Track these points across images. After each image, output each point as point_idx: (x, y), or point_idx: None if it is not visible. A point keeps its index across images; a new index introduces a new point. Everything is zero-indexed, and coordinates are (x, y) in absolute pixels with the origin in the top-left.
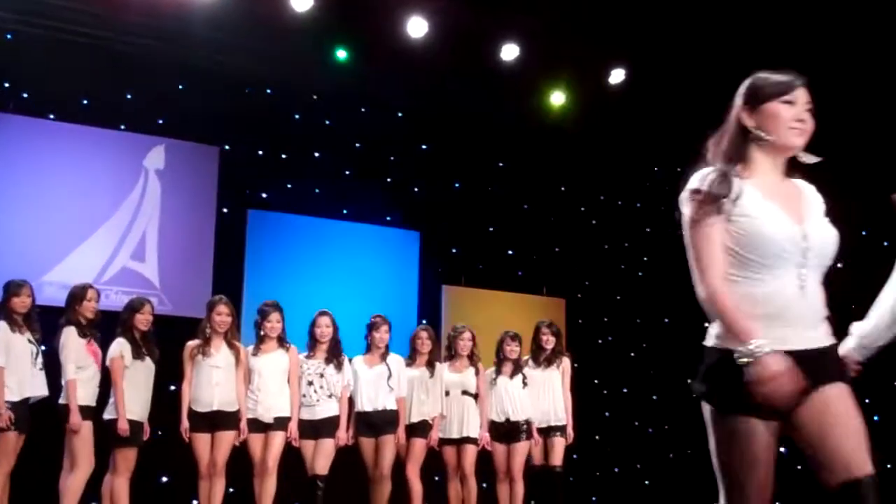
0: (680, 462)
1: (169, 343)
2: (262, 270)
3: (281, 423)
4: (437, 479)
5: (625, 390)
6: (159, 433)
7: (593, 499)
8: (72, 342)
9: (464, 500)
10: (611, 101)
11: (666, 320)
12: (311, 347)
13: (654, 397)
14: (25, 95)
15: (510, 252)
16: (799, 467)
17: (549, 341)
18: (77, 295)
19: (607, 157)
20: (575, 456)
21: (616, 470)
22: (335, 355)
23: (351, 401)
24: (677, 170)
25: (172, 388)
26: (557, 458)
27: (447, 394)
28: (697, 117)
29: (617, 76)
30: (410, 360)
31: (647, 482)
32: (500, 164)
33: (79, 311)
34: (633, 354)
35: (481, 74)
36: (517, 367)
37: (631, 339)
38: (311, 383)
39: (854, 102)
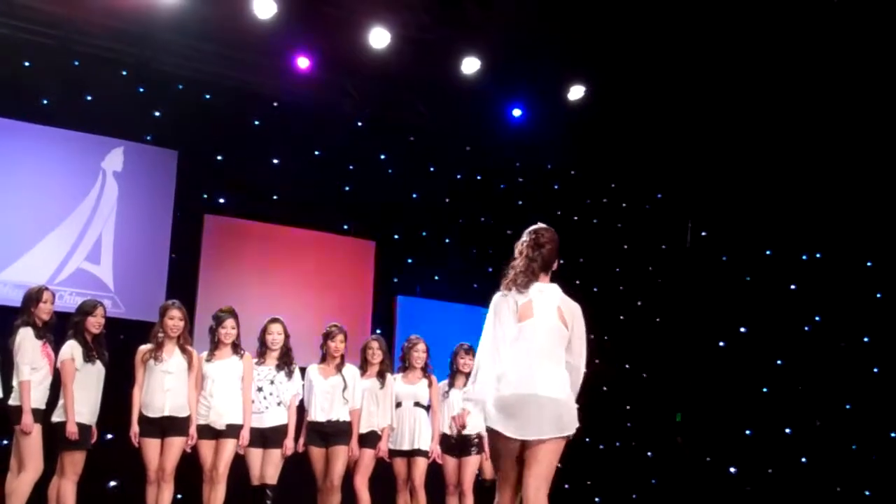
0: (631, 479)
1: (121, 346)
2: (216, 275)
3: (233, 430)
4: (386, 490)
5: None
6: (108, 437)
7: None
8: (28, 343)
9: None
10: (569, 116)
11: (618, 337)
12: (261, 354)
13: (625, 409)
14: None
15: (465, 264)
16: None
17: None
18: (33, 297)
19: (564, 172)
20: None
21: (566, 486)
22: (286, 363)
23: (300, 410)
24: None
25: (123, 391)
26: None
27: (399, 405)
28: (655, 134)
29: (576, 92)
30: (361, 370)
31: (597, 499)
32: (458, 177)
33: (34, 312)
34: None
35: (442, 87)
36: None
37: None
38: (260, 389)
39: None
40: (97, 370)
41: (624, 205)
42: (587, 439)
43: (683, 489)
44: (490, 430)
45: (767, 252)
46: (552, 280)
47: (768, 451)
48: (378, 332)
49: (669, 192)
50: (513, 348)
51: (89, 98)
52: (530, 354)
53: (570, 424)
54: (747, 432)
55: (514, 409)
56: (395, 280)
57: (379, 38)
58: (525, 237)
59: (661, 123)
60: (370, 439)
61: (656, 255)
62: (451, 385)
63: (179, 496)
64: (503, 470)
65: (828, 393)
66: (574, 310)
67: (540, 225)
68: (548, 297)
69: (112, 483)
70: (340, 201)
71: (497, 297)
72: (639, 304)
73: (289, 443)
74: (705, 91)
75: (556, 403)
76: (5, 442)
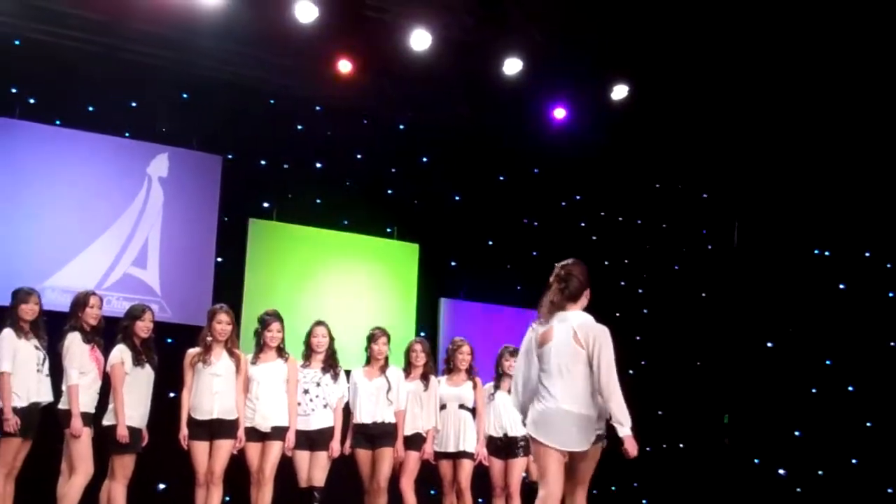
0: (678, 481)
1: (168, 350)
2: (261, 279)
3: (278, 432)
4: (433, 492)
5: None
6: (158, 440)
7: None
8: (76, 347)
9: None
10: (613, 116)
11: (665, 338)
12: (306, 357)
13: (660, 412)
14: (32, 101)
15: (509, 266)
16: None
17: None
18: (80, 301)
19: (609, 172)
20: None
21: (613, 489)
22: (331, 366)
23: (346, 412)
24: (678, 186)
25: (171, 395)
26: None
27: (444, 407)
28: (700, 133)
29: (619, 92)
30: (405, 372)
31: (644, 501)
32: (501, 178)
33: (82, 317)
34: (631, 372)
35: (483, 88)
36: None
37: (630, 356)
38: (306, 392)
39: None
40: (146, 374)
41: (669, 205)
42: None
43: (731, 491)
44: (530, 437)
45: (815, 251)
46: (589, 305)
47: (818, 452)
48: (422, 334)
49: (715, 192)
50: (540, 370)
51: (134, 104)
52: (548, 374)
53: (589, 434)
54: (796, 433)
55: (542, 420)
56: (439, 283)
57: (420, 40)
58: (555, 270)
59: (706, 122)
60: (415, 441)
61: (703, 256)
62: (496, 387)
63: (228, 498)
64: (544, 473)
65: (878, 393)
66: (595, 332)
67: (568, 260)
68: (567, 323)
69: (162, 486)
70: (384, 204)
71: (528, 331)
72: (685, 305)
73: (335, 445)
74: (751, 88)
75: (572, 416)
76: (55, 446)
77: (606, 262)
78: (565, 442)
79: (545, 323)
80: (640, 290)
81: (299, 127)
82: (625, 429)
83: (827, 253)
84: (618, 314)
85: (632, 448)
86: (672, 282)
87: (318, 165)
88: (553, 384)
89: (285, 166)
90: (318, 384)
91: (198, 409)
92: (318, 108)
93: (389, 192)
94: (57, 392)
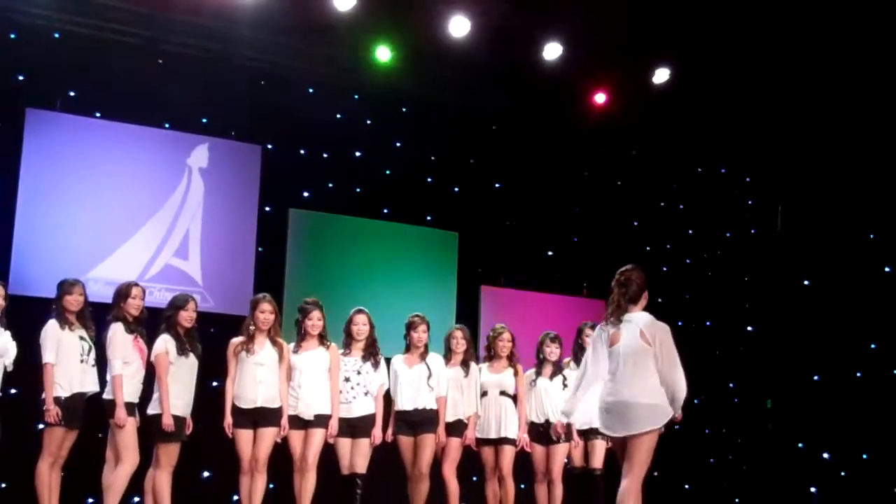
0: (720, 466)
1: (211, 340)
2: (302, 268)
3: (321, 420)
4: (475, 479)
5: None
6: (201, 429)
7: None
8: (119, 338)
9: (501, 501)
10: (654, 100)
11: (708, 323)
12: (347, 345)
13: (695, 401)
14: (72, 94)
15: (549, 253)
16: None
17: None
18: (122, 292)
19: (650, 157)
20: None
21: (655, 474)
22: (372, 353)
23: (387, 399)
24: (721, 171)
25: (215, 384)
26: (598, 461)
27: (485, 394)
28: (743, 117)
29: (661, 76)
30: (445, 359)
31: (686, 486)
32: (541, 165)
33: (124, 308)
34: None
35: (523, 74)
36: (557, 369)
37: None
38: (347, 380)
39: None
40: (190, 363)
41: (711, 189)
42: (676, 427)
43: (775, 475)
44: (603, 432)
45: (859, 234)
46: (649, 306)
47: (863, 436)
48: (462, 322)
49: (759, 176)
50: (610, 367)
51: (174, 96)
52: (617, 370)
53: (646, 423)
54: (840, 417)
55: (610, 412)
56: (479, 270)
57: (459, 26)
58: (616, 277)
59: (748, 105)
60: (456, 428)
61: (746, 240)
62: (537, 374)
63: (272, 486)
64: (619, 457)
65: None
66: (659, 330)
67: (627, 266)
68: (633, 324)
69: (206, 474)
70: (423, 193)
71: (595, 331)
72: (728, 289)
73: (376, 432)
74: (795, 68)
75: (639, 407)
76: (100, 435)
77: (648, 248)
78: (627, 429)
79: (613, 325)
80: (682, 276)
81: (338, 115)
82: (678, 412)
83: (871, 236)
84: (660, 300)
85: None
86: (714, 267)
87: (358, 154)
88: (624, 379)
89: (325, 155)
90: (359, 372)
91: (242, 397)
92: (356, 96)
93: (429, 180)
94: (102, 382)
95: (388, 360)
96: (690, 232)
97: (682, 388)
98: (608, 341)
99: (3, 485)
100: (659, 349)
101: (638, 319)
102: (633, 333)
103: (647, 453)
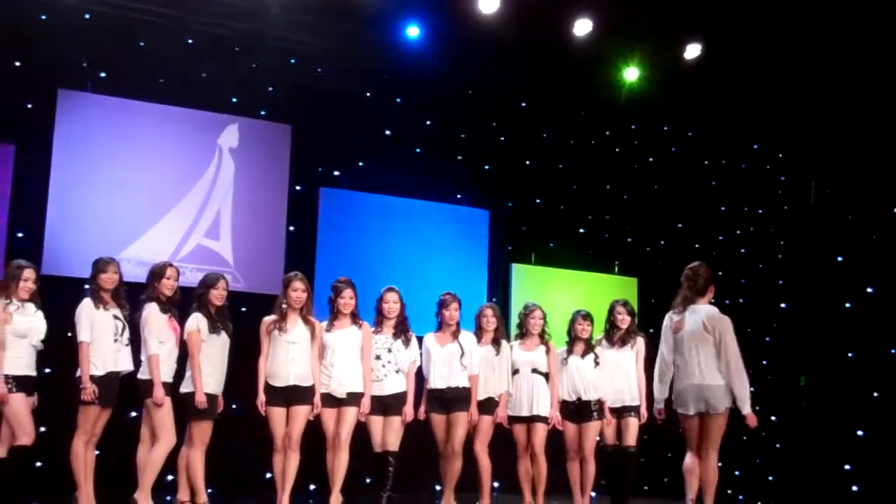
0: (753, 444)
1: (242, 319)
2: (333, 247)
3: (353, 398)
4: (506, 457)
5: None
6: (234, 407)
7: (665, 480)
8: (154, 318)
9: (534, 478)
10: (686, 76)
11: (741, 300)
12: (378, 323)
13: (747, 373)
14: (103, 75)
15: (581, 230)
16: None
17: (624, 321)
18: (157, 272)
19: (681, 134)
20: (646, 436)
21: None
22: (403, 331)
23: (419, 377)
24: (753, 147)
25: (247, 363)
26: (631, 439)
27: (517, 372)
28: (775, 92)
29: (692, 51)
30: (476, 337)
31: (719, 464)
32: (571, 142)
33: (158, 288)
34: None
35: (553, 50)
36: (589, 347)
37: None
38: (378, 358)
39: None
40: (222, 341)
41: (744, 165)
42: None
43: (809, 453)
44: (676, 410)
45: (894, 209)
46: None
47: None
48: (493, 300)
49: (791, 151)
50: (675, 353)
51: (204, 75)
52: (685, 355)
53: (719, 403)
54: (875, 394)
55: (683, 394)
56: (510, 248)
57: (489, 3)
58: (685, 272)
59: (781, 79)
60: (488, 406)
61: (779, 216)
62: (569, 351)
63: (305, 464)
64: (688, 438)
65: None
66: (720, 322)
67: (695, 263)
68: (697, 314)
69: (240, 452)
70: (453, 171)
71: (665, 320)
72: (760, 266)
73: (408, 410)
74: (827, 43)
75: (704, 388)
76: (133, 414)
77: (680, 225)
78: (700, 409)
79: (680, 313)
80: (715, 253)
81: (368, 94)
82: (746, 408)
83: None
84: None
85: (752, 422)
86: (747, 243)
87: (388, 132)
88: (693, 363)
89: (355, 134)
90: (390, 350)
91: (274, 375)
92: (385, 75)
93: (459, 158)
94: (136, 362)
95: (419, 339)
96: (723, 209)
97: (740, 382)
98: (673, 328)
99: (39, 463)
100: (719, 340)
101: (702, 311)
102: (697, 323)
103: (721, 430)
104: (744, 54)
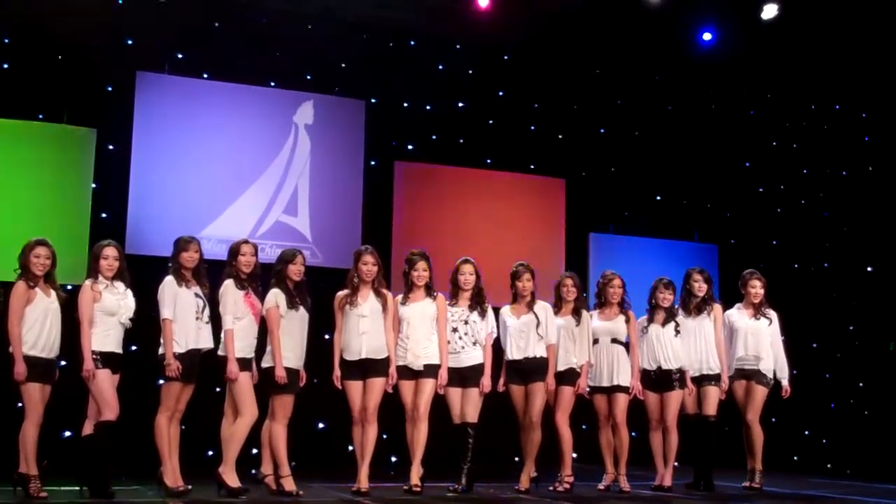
0: (841, 412)
1: (321, 294)
2: (409, 221)
3: (431, 370)
4: (585, 427)
5: (781, 339)
6: (315, 381)
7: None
8: (229, 294)
9: (616, 449)
10: (764, 37)
11: (826, 265)
12: (454, 295)
13: (814, 345)
14: (180, 56)
15: (658, 198)
16: None
17: (700, 288)
18: (234, 250)
19: (760, 96)
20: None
21: (773, 420)
22: (479, 303)
23: (497, 349)
24: (835, 107)
25: (326, 337)
26: (711, 408)
27: (597, 342)
28: (856, 51)
29: (770, 11)
30: (556, 308)
31: (806, 432)
32: (647, 108)
33: (235, 265)
34: (790, 302)
35: (626, 14)
36: (670, 315)
37: (788, 286)
38: (455, 330)
39: None
40: (301, 316)
41: (825, 127)
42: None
43: (880, 422)
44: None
45: None
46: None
47: None
48: (571, 270)
49: (875, 112)
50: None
51: (277, 54)
52: None
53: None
54: None
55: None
56: (587, 217)
57: None
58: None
59: (861, 38)
60: (568, 376)
61: (863, 178)
62: (649, 320)
63: (385, 436)
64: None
65: None
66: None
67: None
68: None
69: (321, 425)
70: (527, 141)
71: None
72: (845, 229)
73: (485, 381)
74: None
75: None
76: (218, 390)
77: (761, 189)
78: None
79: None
80: (797, 218)
81: (440, 67)
82: (784, 382)
83: None
84: (774, 241)
85: (786, 393)
86: (831, 206)
87: (461, 105)
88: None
89: (428, 107)
90: (466, 322)
91: (348, 349)
92: (457, 46)
93: (532, 127)
94: (217, 338)
95: (496, 310)
96: (805, 171)
97: (781, 360)
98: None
99: (125, 439)
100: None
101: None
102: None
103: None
104: (823, 12)
